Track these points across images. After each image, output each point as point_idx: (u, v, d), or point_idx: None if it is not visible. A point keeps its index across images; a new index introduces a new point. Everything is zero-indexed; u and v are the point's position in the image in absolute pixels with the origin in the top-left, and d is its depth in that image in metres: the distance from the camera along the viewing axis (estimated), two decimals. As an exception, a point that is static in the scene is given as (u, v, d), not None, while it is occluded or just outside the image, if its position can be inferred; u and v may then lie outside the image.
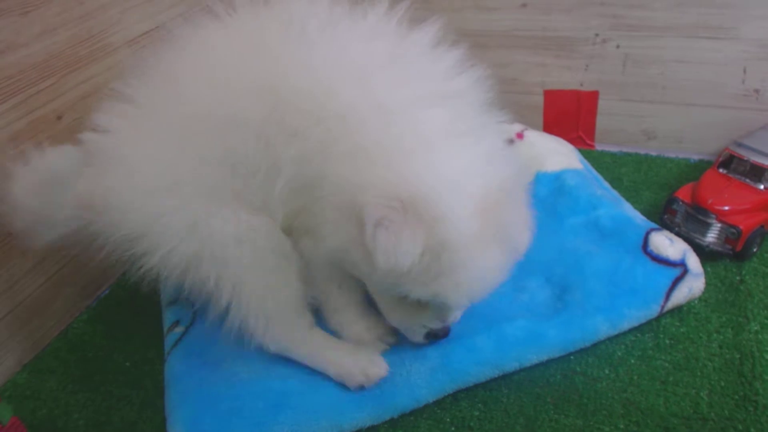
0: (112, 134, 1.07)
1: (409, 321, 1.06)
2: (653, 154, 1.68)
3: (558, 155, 1.49)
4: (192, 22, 1.08)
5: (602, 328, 1.13)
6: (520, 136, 1.54)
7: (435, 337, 1.07)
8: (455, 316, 1.07)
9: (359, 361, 1.07)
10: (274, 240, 1.07)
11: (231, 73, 1.02)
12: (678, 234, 1.28)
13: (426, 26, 1.03)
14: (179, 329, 1.21)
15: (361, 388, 1.06)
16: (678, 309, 1.19)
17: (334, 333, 1.14)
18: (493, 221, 0.91)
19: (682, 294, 1.16)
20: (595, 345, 1.14)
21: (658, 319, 1.17)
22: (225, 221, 1.04)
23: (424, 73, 1.00)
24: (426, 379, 1.07)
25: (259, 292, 1.07)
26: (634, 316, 1.14)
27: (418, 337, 1.07)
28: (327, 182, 0.95)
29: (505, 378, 1.10)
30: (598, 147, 1.75)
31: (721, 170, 1.36)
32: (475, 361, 1.08)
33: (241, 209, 1.05)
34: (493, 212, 0.91)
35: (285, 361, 1.12)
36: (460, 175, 0.91)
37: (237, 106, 0.99)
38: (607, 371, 1.10)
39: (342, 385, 1.08)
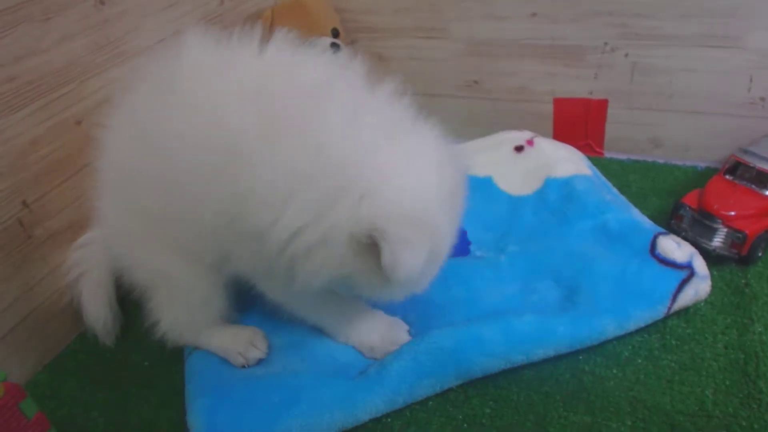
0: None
1: None
2: (660, 161, 1.69)
3: (567, 162, 1.50)
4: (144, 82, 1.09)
5: (609, 327, 1.14)
6: (530, 143, 1.56)
7: None
8: None
9: (239, 344, 1.19)
10: (197, 283, 1.16)
11: (177, 133, 1.00)
12: (685, 239, 1.29)
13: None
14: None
15: (244, 366, 1.18)
16: (684, 311, 1.20)
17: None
18: (452, 211, 1.01)
19: (689, 296, 1.18)
20: (603, 345, 1.15)
21: (664, 320, 1.18)
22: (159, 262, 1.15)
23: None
24: (432, 366, 1.09)
25: (178, 311, 1.20)
26: (641, 317, 1.16)
27: None
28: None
29: (516, 377, 1.12)
30: (607, 155, 1.77)
31: (727, 176, 1.38)
32: (482, 351, 1.10)
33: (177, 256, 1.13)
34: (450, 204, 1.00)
35: (297, 357, 1.16)
36: (437, 187, 0.96)
37: (180, 170, 1.00)
38: (614, 371, 1.12)
39: (353, 377, 1.12)
